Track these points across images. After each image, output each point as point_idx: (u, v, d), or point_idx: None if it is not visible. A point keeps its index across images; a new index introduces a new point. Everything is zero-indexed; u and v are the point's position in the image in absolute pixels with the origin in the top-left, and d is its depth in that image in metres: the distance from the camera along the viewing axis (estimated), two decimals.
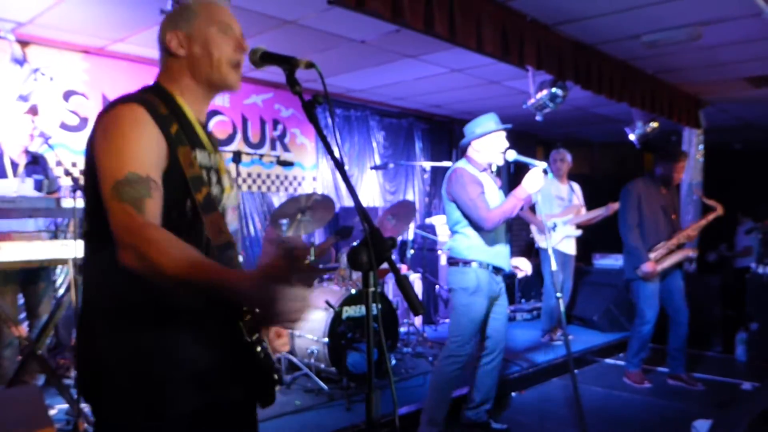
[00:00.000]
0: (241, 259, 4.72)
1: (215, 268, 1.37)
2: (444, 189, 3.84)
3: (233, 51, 1.67)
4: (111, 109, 1.53)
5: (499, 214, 3.60)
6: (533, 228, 6.36)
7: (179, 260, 1.34)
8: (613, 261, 7.55)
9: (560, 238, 6.21)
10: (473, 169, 3.76)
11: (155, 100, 1.58)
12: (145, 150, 1.47)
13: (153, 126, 1.50)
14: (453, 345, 3.73)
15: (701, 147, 7.74)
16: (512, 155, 3.70)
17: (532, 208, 6.12)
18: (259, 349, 1.59)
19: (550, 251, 3.71)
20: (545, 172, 3.58)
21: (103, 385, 1.52)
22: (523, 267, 3.98)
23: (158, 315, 1.51)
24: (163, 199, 1.48)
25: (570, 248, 6.31)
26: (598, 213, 5.97)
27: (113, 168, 1.44)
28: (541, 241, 6.32)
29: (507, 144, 3.76)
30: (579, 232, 6.30)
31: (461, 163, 3.82)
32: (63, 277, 4.85)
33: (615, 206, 5.89)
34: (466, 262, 3.73)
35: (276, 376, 1.63)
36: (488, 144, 3.75)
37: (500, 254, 3.78)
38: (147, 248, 1.35)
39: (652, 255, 4.92)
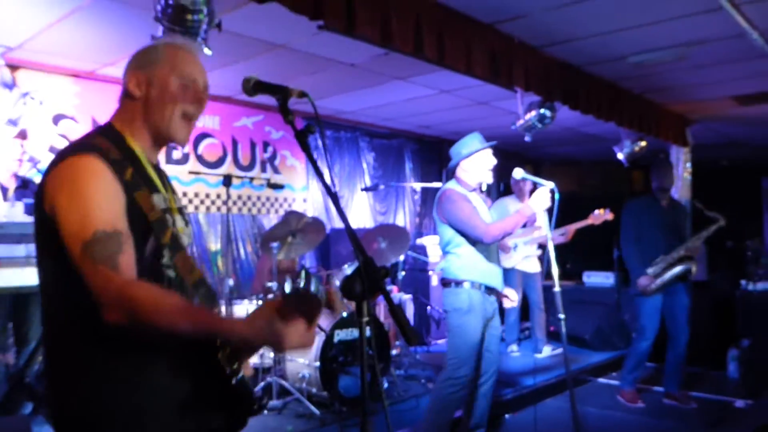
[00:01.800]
0: (231, 282, 4.71)
1: (208, 316, 1.46)
2: (435, 211, 3.86)
3: (190, 104, 1.66)
4: (64, 160, 1.50)
5: (499, 227, 3.63)
6: None
7: (171, 314, 1.38)
8: (603, 279, 7.57)
9: (521, 258, 6.32)
10: (462, 189, 3.80)
11: (107, 144, 1.56)
12: (107, 202, 1.46)
13: (110, 175, 1.48)
14: (450, 367, 3.71)
15: (689, 165, 7.80)
16: (519, 173, 3.77)
17: None
18: (237, 378, 1.63)
19: (555, 276, 3.65)
20: (552, 192, 3.60)
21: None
22: (512, 297, 3.97)
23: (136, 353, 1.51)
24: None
25: (532, 267, 6.46)
26: (559, 233, 5.94)
27: (79, 228, 1.42)
28: (503, 261, 6.41)
29: (494, 161, 3.81)
30: (540, 252, 6.39)
31: (451, 184, 3.85)
32: None
33: (572, 231, 5.87)
34: (459, 283, 3.73)
35: (254, 404, 1.68)
36: (476, 163, 3.79)
37: (492, 274, 3.78)
38: (135, 307, 1.37)
39: (651, 270, 4.94)
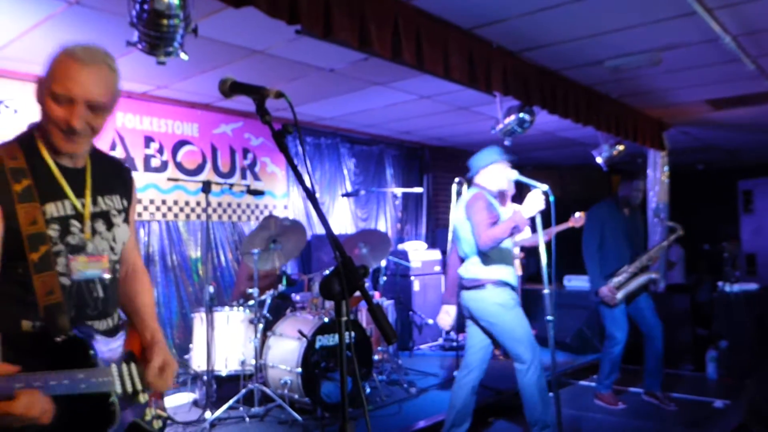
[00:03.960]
0: (211, 289, 4.66)
1: None
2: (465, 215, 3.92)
3: (62, 122, 1.62)
4: None
5: (491, 236, 3.65)
6: None
7: None
8: (583, 282, 7.59)
9: None
10: (488, 195, 3.90)
11: (13, 151, 1.62)
12: None
13: None
14: (524, 359, 3.70)
15: (666, 168, 7.90)
16: (513, 175, 3.86)
17: None
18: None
19: (545, 278, 3.70)
20: (546, 194, 3.61)
21: None
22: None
23: None
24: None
25: (516, 270, 6.43)
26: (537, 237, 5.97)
27: None
28: None
29: (513, 173, 3.89)
30: (521, 255, 6.42)
31: (474, 189, 3.95)
32: None
33: (552, 234, 5.91)
34: (482, 285, 3.82)
35: None
36: (492, 174, 3.92)
37: (509, 274, 3.89)
38: None
39: (615, 280, 4.96)
